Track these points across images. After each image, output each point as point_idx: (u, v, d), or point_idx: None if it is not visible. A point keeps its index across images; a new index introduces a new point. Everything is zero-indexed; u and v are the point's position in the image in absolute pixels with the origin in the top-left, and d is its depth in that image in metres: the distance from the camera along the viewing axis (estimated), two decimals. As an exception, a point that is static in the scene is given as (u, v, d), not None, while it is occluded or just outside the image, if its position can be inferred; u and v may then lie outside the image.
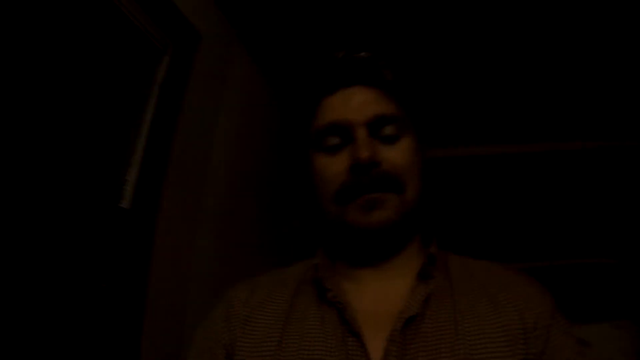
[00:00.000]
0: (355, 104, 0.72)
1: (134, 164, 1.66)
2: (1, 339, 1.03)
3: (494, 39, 2.25)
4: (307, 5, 2.03)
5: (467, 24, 2.14)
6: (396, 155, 0.71)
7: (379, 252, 0.74)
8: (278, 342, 0.68)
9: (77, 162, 1.39)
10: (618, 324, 3.77)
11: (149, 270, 1.60)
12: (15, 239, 1.10)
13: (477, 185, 3.64)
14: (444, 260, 0.76)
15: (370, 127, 0.71)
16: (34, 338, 1.16)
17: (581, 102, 2.88)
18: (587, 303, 3.76)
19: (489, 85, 2.67)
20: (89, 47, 1.40)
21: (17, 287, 1.11)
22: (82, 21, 1.38)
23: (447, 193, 3.33)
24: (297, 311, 0.72)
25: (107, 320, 1.48)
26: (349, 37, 2.15)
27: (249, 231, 2.31)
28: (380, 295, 0.71)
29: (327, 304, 0.70)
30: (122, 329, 1.52)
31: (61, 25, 1.28)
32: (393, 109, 0.73)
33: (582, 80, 2.65)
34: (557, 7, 2.04)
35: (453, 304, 0.68)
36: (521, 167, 3.49)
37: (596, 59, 2.43)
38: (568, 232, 3.92)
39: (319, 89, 0.76)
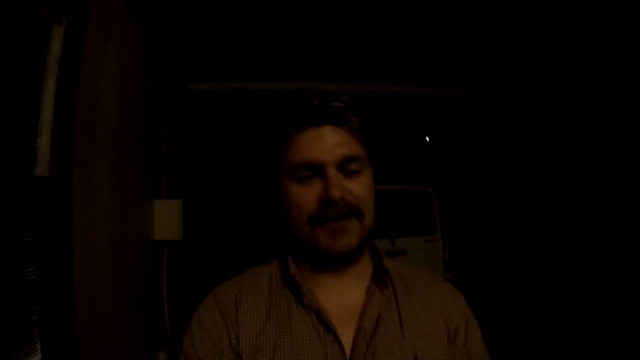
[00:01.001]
0: (327, 145, 0.81)
1: (43, 133, 1.85)
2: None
3: None
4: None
5: None
6: (358, 188, 0.82)
7: (338, 265, 0.87)
8: (274, 344, 0.79)
9: None
10: (429, 237, 4.80)
11: (72, 222, 1.88)
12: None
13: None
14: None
15: (338, 166, 0.82)
16: None
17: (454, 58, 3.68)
18: (407, 222, 4.75)
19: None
20: None
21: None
22: None
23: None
24: (280, 314, 0.83)
25: (40, 271, 1.77)
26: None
27: (134, 168, 2.62)
28: (342, 298, 0.86)
29: (304, 307, 0.83)
30: (55, 280, 1.82)
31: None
32: (357, 149, 0.84)
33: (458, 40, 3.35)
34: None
35: (397, 308, 0.87)
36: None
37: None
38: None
39: (292, 126, 0.85)
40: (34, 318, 1.77)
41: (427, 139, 5.99)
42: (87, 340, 1.96)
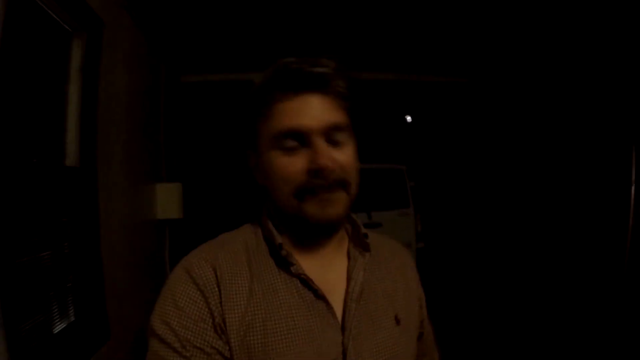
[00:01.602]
0: (313, 111, 0.77)
1: (70, 130, 2.21)
2: None
3: None
4: None
5: None
6: (344, 159, 0.79)
7: (322, 234, 0.86)
8: (263, 319, 0.75)
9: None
10: (403, 211, 5.22)
11: (97, 205, 2.26)
12: None
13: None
14: None
15: (325, 134, 0.78)
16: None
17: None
18: (383, 197, 5.17)
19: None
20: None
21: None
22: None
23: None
24: (265, 286, 0.79)
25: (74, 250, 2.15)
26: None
27: (140, 156, 2.99)
28: (325, 266, 0.85)
29: (289, 276, 0.80)
30: (86, 254, 2.20)
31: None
32: (343, 117, 0.81)
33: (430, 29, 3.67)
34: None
35: (377, 271, 0.91)
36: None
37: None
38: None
39: (276, 92, 0.79)
40: (68, 285, 2.16)
41: (409, 118, 6.41)
42: (112, 305, 2.36)
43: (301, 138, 0.78)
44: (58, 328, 2.00)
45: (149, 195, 3.16)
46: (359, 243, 0.90)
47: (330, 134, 0.79)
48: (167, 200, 3.31)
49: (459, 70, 4.82)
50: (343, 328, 0.79)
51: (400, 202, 5.23)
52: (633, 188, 3.38)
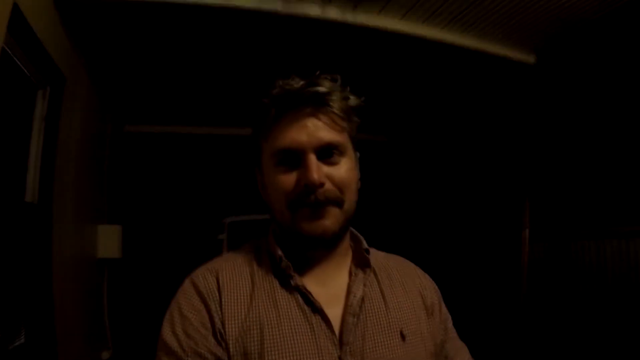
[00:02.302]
0: (307, 130, 0.81)
1: (31, 169, 2.48)
2: None
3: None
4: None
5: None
6: (338, 174, 0.83)
7: (319, 249, 0.88)
8: (260, 326, 0.78)
9: None
10: None
11: (51, 239, 2.51)
12: None
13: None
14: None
15: (318, 152, 0.82)
16: None
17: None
18: None
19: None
20: None
21: None
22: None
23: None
24: (265, 297, 0.82)
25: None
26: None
27: (86, 198, 3.24)
28: (326, 281, 0.87)
29: (289, 289, 0.83)
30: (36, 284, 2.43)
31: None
32: (338, 135, 0.84)
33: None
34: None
35: (379, 285, 0.91)
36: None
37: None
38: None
39: (274, 112, 0.84)
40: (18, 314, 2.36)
41: None
42: (61, 334, 2.56)
43: (296, 155, 0.82)
44: (12, 345, 2.21)
45: (92, 235, 3.39)
46: (361, 259, 0.92)
47: (324, 152, 0.83)
48: (107, 241, 3.54)
49: (378, 129, 5.40)
50: (341, 342, 0.80)
51: None
52: (527, 231, 4.04)
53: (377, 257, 0.97)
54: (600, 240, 3.54)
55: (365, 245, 0.92)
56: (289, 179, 0.82)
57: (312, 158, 0.81)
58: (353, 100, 0.88)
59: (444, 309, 0.99)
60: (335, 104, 0.84)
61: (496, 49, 3.13)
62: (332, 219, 0.82)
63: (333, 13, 2.73)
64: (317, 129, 0.82)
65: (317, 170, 0.80)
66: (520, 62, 3.29)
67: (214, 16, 2.68)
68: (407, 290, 0.94)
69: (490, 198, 4.18)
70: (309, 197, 0.80)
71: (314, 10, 2.69)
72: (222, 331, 0.77)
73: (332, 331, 0.80)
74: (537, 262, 3.90)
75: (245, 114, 4.43)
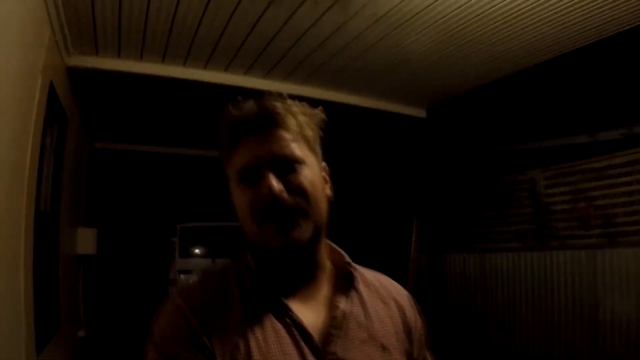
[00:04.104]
0: (261, 150, 0.84)
1: (43, 185, 3.30)
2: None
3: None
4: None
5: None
6: (297, 184, 0.84)
7: (294, 262, 0.88)
8: (245, 338, 0.79)
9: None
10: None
11: (59, 240, 3.34)
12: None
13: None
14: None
15: (275, 167, 0.84)
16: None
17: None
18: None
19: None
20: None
21: None
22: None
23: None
24: (248, 308, 0.83)
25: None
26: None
27: (73, 206, 4.06)
28: (309, 294, 0.89)
29: (270, 301, 0.84)
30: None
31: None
32: (294, 149, 0.86)
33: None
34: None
35: (361, 300, 0.92)
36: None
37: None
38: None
39: (230, 137, 0.88)
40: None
41: None
42: (62, 316, 3.40)
43: (254, 172, 0.84)
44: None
45: (74, 236, 4.20)
46: (342, 273, 0.93)
47: (281, 166, 0.84)
48: (85, 241, 4.35)
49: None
50: (323, 354, 0.81)
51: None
52: (415, 243, 5.31)
53: (362, 273, 0.98)
54: (465, 253, 4.86)
55: (347, 259, 0.95)
56: (250, 196, 0.84)
57: (267, 172, 0.82)
58: (308, 114, 0.91)
59: (423, 326, 1.00)
60: (288, 121, 0.86)
61: (396, 108, 4.30)
62: (298, 230, 0.83)
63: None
64: (271, 146, 0.84)
65: (272, 183, 0.81)
66: (415, 116, 4.47)
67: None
68: (387, 306, 0.95)
69: (390, 218, 5.38)
70: (272, 211, 0.81)
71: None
72: (209, 344, 0.78)
73: (314, 344, 0.81)
74: (420, 269, 5.21)
75: (193, 137, 5.43)
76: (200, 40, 3.20)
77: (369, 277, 0.99)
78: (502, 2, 2.78)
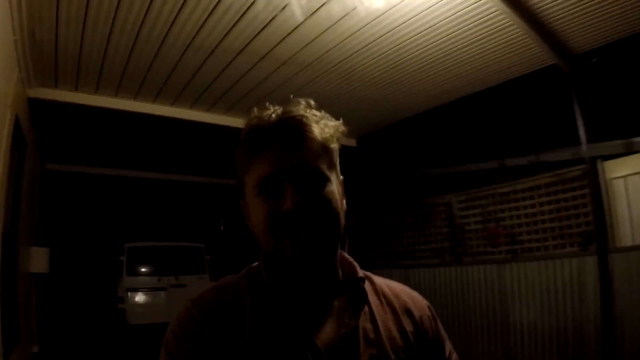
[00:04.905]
0: (285, 159, 0.81)
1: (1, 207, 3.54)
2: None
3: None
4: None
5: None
6: (319, 199, 0.81)
7: (309, 274, 0.86)
8: (256, 349, 0.79)
9: None
10: (200, 276, 7.44)
11: (17, 259, 3.58)
12: None
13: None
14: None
15: (296, 179, 0.81)
16: None
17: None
18: (188, 265, 7.28)
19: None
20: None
21: None
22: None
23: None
24: (258, 319, 0.82)
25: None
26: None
27: (28, 227, 4.28)
28: (319, 304, 0.86)
29: (280, 313, 0.83)
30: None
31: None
32: (317, 161, 0.83)
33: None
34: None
35: (372, 311, 0.89)
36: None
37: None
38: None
39: (251, 146, 0.85)
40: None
41: (222, 228, 9.51)
42: (21, 319, 3.61)
43: (275, 184, 0.81)
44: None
45: (28, 255, 4.39)
46: (353, 285, 0.90)
47: (303, 178, 0.81)
48: (38, 259, 4.54)
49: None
50: None
51: (199, 269, 7.57)
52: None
53: (372, 281, 0.96)
54: (392, 269, 5.41)
55: (359, 270, 0.92)
56: (269, 208, 0.81)
57: (290, 185, 0.80)
58: (332, 126, 0.88)
59: (442, 332, 0.97)
60: (315, 132, 0.84)
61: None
62: (316, 244, 0.81)
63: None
64: (298, 156, 0.81)
65: (295, 196, 0.79)
66: (347, 145, 5.02)
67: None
68: (399, 319, 0.91)
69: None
70: (293, 225, 0.79)
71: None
72: (215, 353, 0.78)
73: (322, 358, 0.80)
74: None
75: (141, 161, 5.77)
76: (151, 78, 3.61)
77: (382, 288, 0.96)
78: (417, 51, 3.35)
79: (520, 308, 4.38)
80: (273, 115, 0.84)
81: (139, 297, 6.63)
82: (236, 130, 4.55)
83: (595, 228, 3.73)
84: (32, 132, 3.99)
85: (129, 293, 6.38)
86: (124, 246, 6.34)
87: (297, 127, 0.83)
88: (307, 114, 0.84)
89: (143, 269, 6.73)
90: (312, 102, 0.87)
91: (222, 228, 9.60)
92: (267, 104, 0.86)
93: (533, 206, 4.35)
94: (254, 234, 0.87)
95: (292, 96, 0.87)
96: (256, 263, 0.92)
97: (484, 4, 2.84)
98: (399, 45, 3.28)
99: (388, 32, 3.13)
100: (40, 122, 4.10)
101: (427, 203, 5.30)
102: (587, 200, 3.84)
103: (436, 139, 4.92)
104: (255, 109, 0.87)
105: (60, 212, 5.34)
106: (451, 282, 4.99)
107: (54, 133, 4.59)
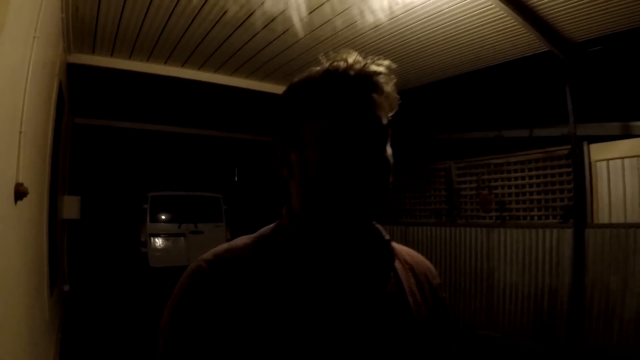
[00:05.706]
0: (367, 111, 0.77)
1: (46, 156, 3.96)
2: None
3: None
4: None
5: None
6: (390, 162, 0.80)
7: (352, 237, 0.83)
8: (286, 324, 0.73)
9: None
10: (218, 224, 7.83)
11: (57, 205, 4.04)
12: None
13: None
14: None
15: (375, 134, 0.78)
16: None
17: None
18: (206, 214, 7.70)
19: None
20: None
21: None
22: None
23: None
24: (291, 291, 0.76)
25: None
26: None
27: (60, 177, 4.73)
28: (351, 278, 0.81)
29: (314, 281, 0.78)
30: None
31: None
32: (387, 119, 0.80)
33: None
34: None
35: (399, 283, 0.87)
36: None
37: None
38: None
39: (332, 89, 0.78)
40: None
41: (236, 179, 9.93)
42: (58, 261, 4.10)
43: (355, 135, 0.76)
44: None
45: (61, 203, 4.86)
46: (380, 251, 0.87)
47: (379, 134, 0.78)
48: (70, 207, 5.01)
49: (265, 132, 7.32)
50: (362, 334, 0.77)
51: (217, 217, 7.95)
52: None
53: (395, 249, 0.92)
54: (393, 226, 5.80)
55: (387, 236, 0.88)
56: (346, 159, 0.75)
57: (376, 140, 0.77)
58: (396, 94, 0.83)
59: (444, 296, 0.97)
60: (389, 89, 0.80)
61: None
62: (380, 204, 0.78)
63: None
64: (376, 112, 0.77)
65: (384, 152, 0.78)
66: None
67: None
68: (421, 283, 0.92)
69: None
70: (364, 178, 0.75)
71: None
72: (242, 330, 0.71)
73: (353, 325, 0.77)
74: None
75: (167, 116, 6.20)
76: (181, 47, 3.95)
77: (404, 255, 0.95)
78: (423, 33, 3.69)
79: (505, 269, 4.86)
80: (358, 66, 0.79)
81: (160, 242, 7.10)
82: (256, 93, 4.90)
83: (575, 204, 4.11)
84: (68, 92, 4.37)
85: (151, 238, 6.90)
86: (148, 195, 6.87)
87: (380, 85, 0.79)
88: (384, 74, 0.80)
89: (164, 216, 7.23)
90: (389, 62, 0.82)
91: (236, 179, 10.14)
92: (345, 52, 0.81)
93: (523, 178, 4.77)
94: (301, 185, 0.81)
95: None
96: (271, 225, 0.87)
97: (481, -2, 3.20)
98: (408, 27, 3.66)
99: (398, 16, 3.48)
100: (77, 83, 4.48)
101: (428, 167, 5.78)
102: (571, 178, 4.21)
103: (441, 109, 5.26)
104: (333, 56, 0.81)
105: (89, 163, 5.78)
106: (445, 241, 5.49)
107: (88, 92, 4.97)
